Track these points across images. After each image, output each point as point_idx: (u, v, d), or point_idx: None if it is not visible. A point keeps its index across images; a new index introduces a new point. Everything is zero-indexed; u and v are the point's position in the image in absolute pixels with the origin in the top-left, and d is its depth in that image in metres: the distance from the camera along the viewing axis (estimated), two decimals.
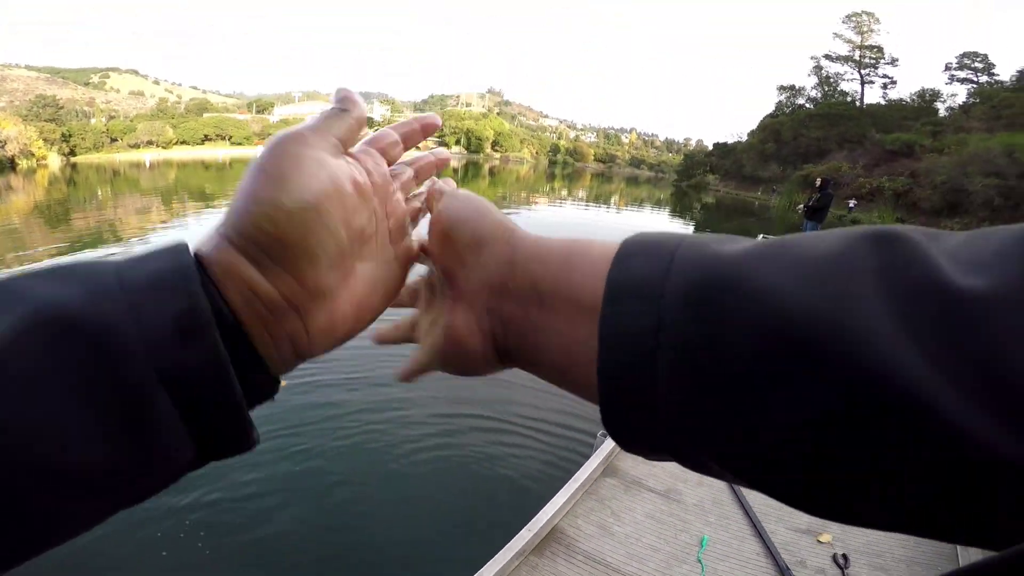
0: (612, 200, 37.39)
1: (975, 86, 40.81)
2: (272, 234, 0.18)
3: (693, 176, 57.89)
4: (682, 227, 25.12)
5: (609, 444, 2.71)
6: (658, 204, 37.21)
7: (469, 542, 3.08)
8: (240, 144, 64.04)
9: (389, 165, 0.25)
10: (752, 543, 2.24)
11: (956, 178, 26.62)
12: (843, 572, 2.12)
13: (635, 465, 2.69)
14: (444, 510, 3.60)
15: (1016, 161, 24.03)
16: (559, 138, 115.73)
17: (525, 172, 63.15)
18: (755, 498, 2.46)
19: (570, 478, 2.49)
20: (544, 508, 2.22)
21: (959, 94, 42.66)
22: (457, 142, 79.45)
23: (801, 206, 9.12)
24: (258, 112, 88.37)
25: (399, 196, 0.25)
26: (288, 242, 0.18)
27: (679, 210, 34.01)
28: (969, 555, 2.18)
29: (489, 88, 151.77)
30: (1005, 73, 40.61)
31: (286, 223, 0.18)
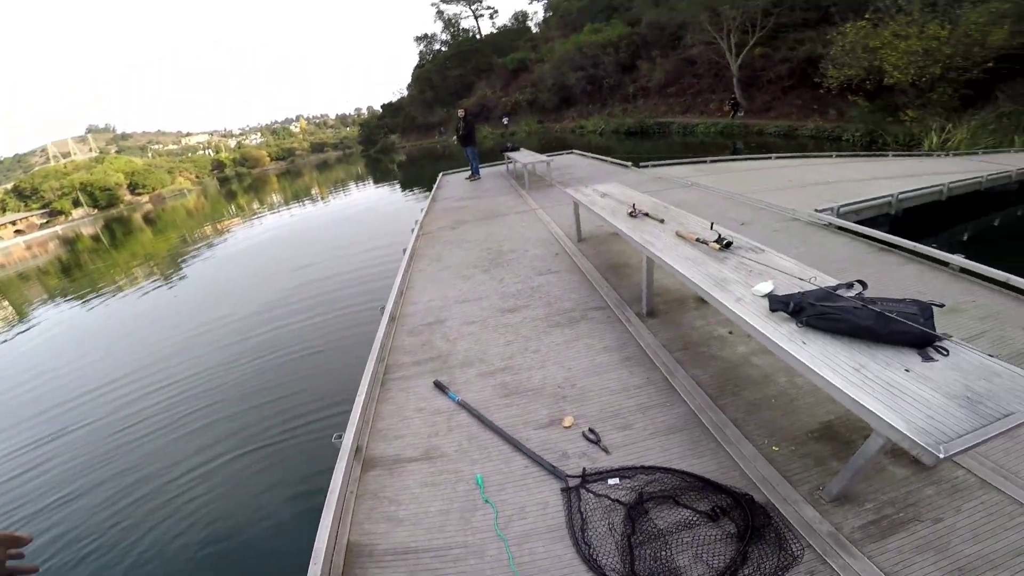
0: (312, 192, 34.83)
1: (546, 1, 50.68)
2: None
3: (376, 142, 58.38)
4: (390, 192, 25.54)
5: (350, 439, 2.48)
6: (358, 179, 36.42)
7: None
8: None
9: None
10: (517, 459, 2.32)
11: (559, 78, 34.19)
12: (599, 445, 2.32)
13: (386, 444, 2.57)
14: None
15: (585, 54, 31.90)
16: (217, 152, 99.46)
17: (195, 203, 52.63)
18: (499, 416, 2.61)
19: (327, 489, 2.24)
20: (319, 532, 1.96)
21: (539, 11, 52.89)
22: (77, 204, 59.66)
23: (454, 138, 10.25)
24: None
25: None
26: None
27: (379, 177, 34.17)
28: (685, 385, 2.68)
29: (89, 127, 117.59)
30: None
31: None
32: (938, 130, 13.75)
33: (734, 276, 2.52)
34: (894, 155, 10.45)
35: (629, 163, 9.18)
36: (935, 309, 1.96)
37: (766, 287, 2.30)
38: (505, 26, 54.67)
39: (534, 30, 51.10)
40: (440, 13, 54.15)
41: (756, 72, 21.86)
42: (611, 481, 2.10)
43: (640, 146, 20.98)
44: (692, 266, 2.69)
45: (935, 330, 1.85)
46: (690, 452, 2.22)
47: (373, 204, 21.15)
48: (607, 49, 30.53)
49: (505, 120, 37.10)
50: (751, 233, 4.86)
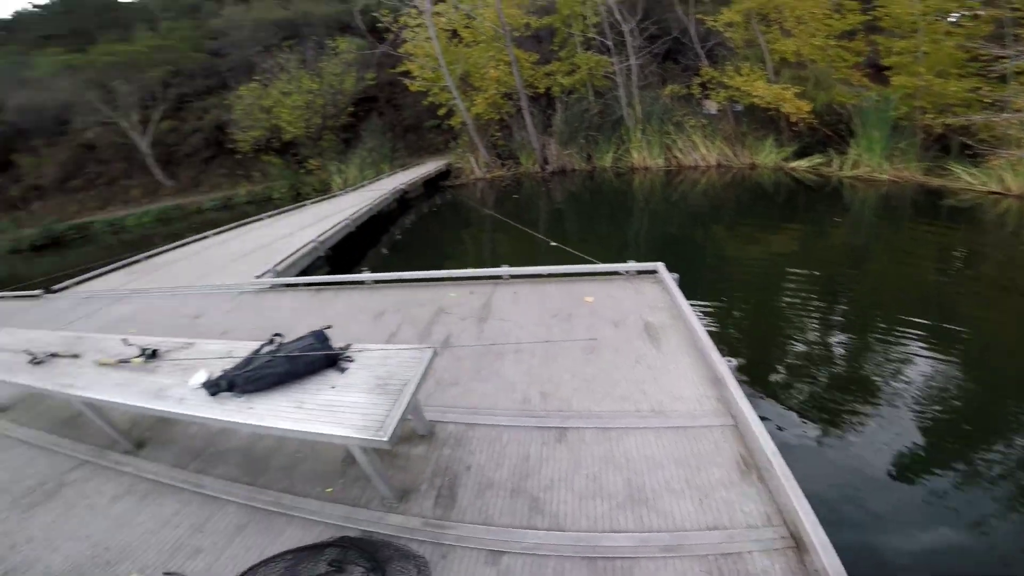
0: None
1: None
2: None
3: None
4: None
5: None
6: None
7: None
8: None
9: None
10: None
11: None
12: None
13: None
14: None
15: None
16: None
17: None
18: None
19: None
20: None
21: None
22: None
23: None
24: None
25: None
26: None
27: None
28: (221, 487, 2.36)
29: None
30: None
31: None
32: (338, 173, 17.50)
33: (170, 380, 2.48)
34: (312, 202, 12.27)
35: (39, 291, 6.84)
36: (329, 329, 2.54)
37: (200, 377, 2.38)
38: None
39: None
40: None
41: (171, 147, 20.41)
42: None
43: (65, 260, 15.05)
44: (123, 390, 2.45)
45: (333, 348, 2.42)
46: (271, 536, 2.17)
47: None
48: None
49: None
50: (208, 323, 4.83)
